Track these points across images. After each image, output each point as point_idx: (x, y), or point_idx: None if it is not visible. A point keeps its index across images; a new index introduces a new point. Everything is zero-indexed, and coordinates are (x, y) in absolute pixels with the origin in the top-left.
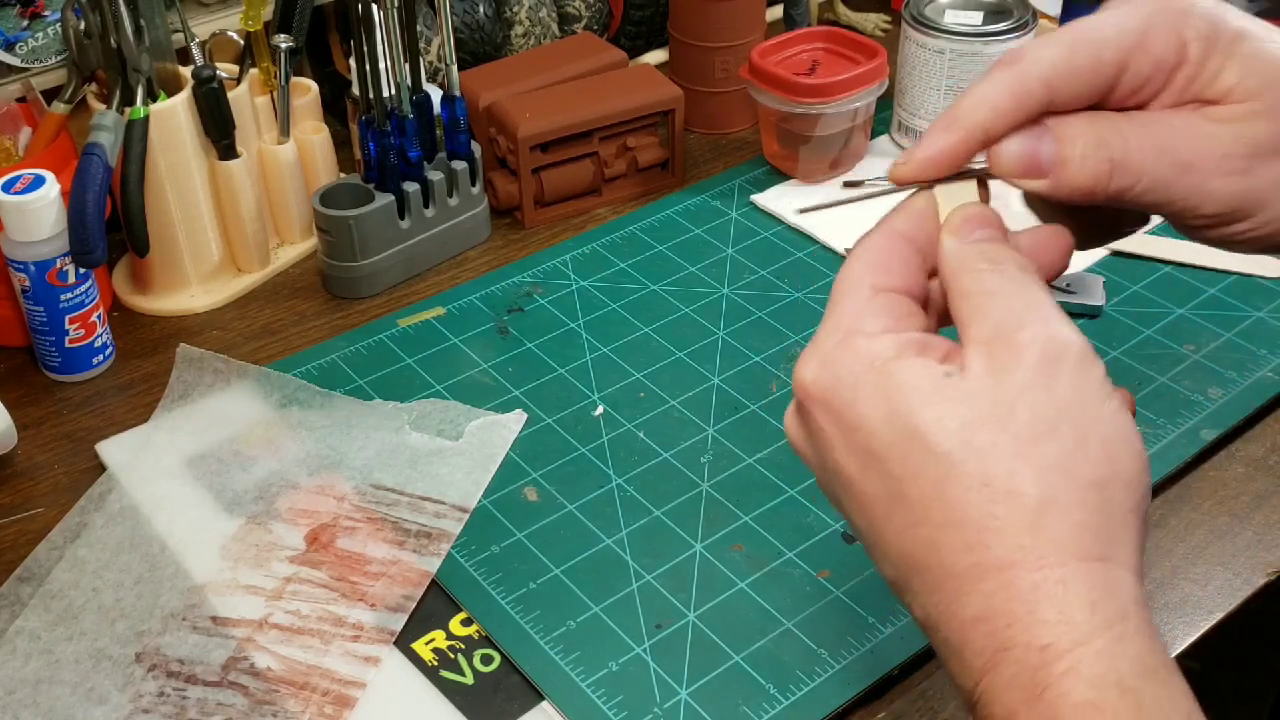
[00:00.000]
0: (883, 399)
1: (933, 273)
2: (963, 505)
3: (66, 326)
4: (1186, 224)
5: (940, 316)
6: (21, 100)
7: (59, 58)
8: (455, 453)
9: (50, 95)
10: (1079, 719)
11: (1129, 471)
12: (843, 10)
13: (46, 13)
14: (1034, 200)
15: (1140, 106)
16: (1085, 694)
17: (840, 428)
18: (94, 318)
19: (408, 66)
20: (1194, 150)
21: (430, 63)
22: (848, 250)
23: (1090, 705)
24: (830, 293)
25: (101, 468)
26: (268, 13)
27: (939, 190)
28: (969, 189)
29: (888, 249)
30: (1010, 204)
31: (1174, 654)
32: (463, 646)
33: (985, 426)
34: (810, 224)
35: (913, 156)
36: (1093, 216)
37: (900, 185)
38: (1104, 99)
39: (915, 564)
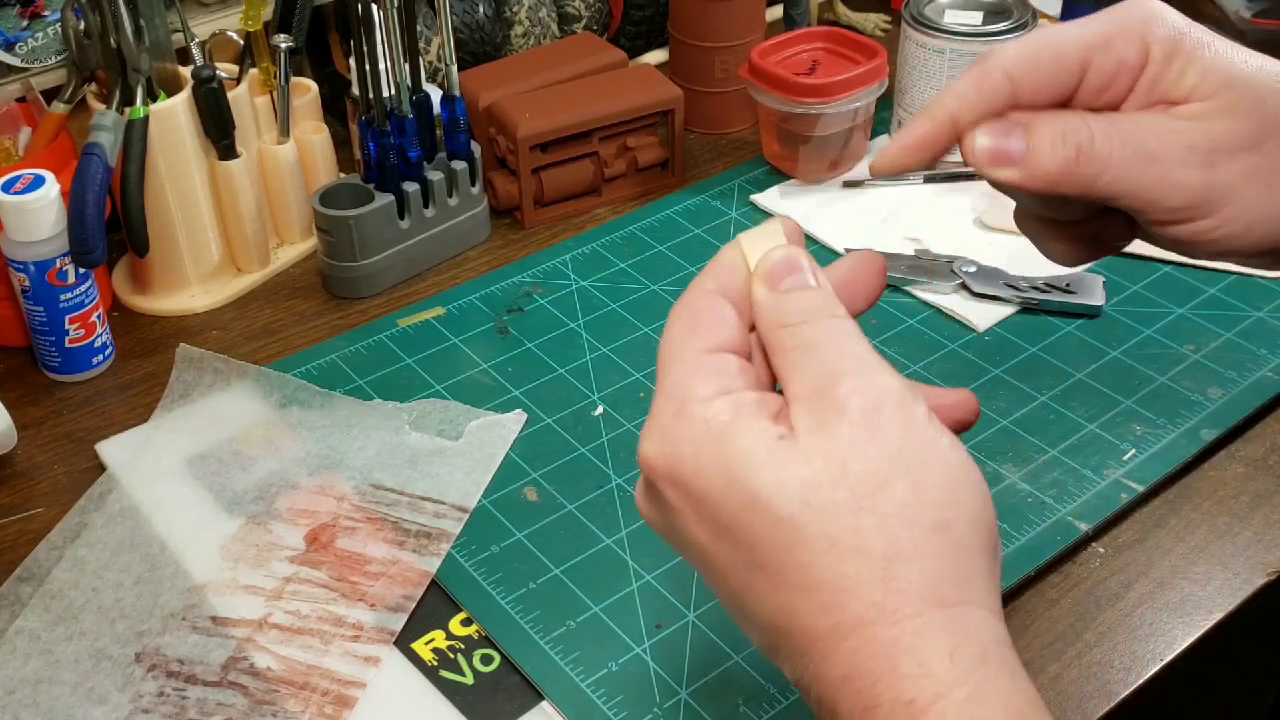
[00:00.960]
0: (722, 467)
1: (754, 325)
2: (814, 568)
3: (66, 326)
4: (1152, 221)
5: (768, 374)
6: (21, 100)
7: (59, 58)
8: (455, 453)
9: (50, 95)
10: None
11: (970, 508)
12: (842, 10)
13: (46, 13)
14: (1024, 217)
15: (1109, 109)
16: None
17: (688, 500)
18: (94, 318)
19: (407, 66)
20: (1159, 142)
21: (430, 62)
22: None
23: None
24: (656, 363)
25: (101, 468)
26: (267, 13)
27: (744, 239)
28: (775, 232)
29: (704, 309)
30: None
31: (1174, 654)
32: (462, 646)
33: (822, 486)
34: (810, 224)
35: (889, 149)
36: (1078, 230)
37: (881, 177)
38: (1069, 98)
39: (779, 629)
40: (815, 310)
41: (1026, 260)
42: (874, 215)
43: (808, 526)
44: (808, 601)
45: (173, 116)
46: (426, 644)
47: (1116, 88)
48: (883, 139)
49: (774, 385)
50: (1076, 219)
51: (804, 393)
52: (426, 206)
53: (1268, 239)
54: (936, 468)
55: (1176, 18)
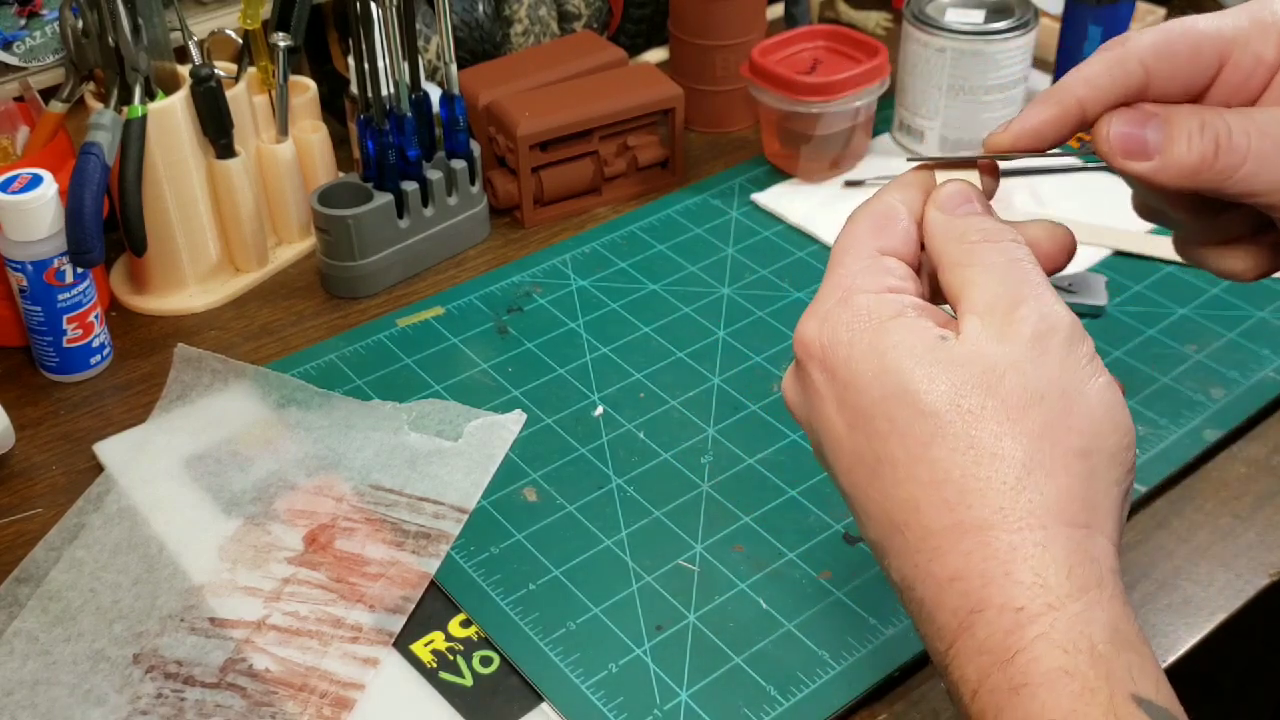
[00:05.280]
0: (876, 356)
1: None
2: (946, 465)
3: (64, 326)
4: None
5: (930, 289)
6: (19, 99)
7: (57, 56)
8: (454, 453)
9: (48, 94)
10: (1050, 685)
11: (1114, 445)
12: (844, 8)
13: (44, 11)
14: (1186, 246)
15: (1241, 105)
16: (1057, 660)
17: (834, 384)
18: (91, 317)
19: (406, 65)
20: None
21: (429, 61)
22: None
23: (1061, 671)
24: (831, 254)
25: (99, 468)
26: (266, 11)
27: (940, 175)
28: (970, 177)
29: (888, 214)
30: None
31: (1177, 655)
32: (462, 648)
33: (974, 391)
34: (811, 223)
35: (1010, 127)
36: (1249, 244)
37: (995, 154)
38: (1202, 94)
39: (896, 524)
40: (997, 231)
41: None
42: None
43: (952, 425)
44: (933, 497)
45: (171, 115)
46: (425, 645)
47: (1251, 85)
48: (884, 138)
49: (938, 304)
50: (1235, 235)
51: (979, 307)
52: (426, 206)
53: None
54: (1089, 400)
55: None
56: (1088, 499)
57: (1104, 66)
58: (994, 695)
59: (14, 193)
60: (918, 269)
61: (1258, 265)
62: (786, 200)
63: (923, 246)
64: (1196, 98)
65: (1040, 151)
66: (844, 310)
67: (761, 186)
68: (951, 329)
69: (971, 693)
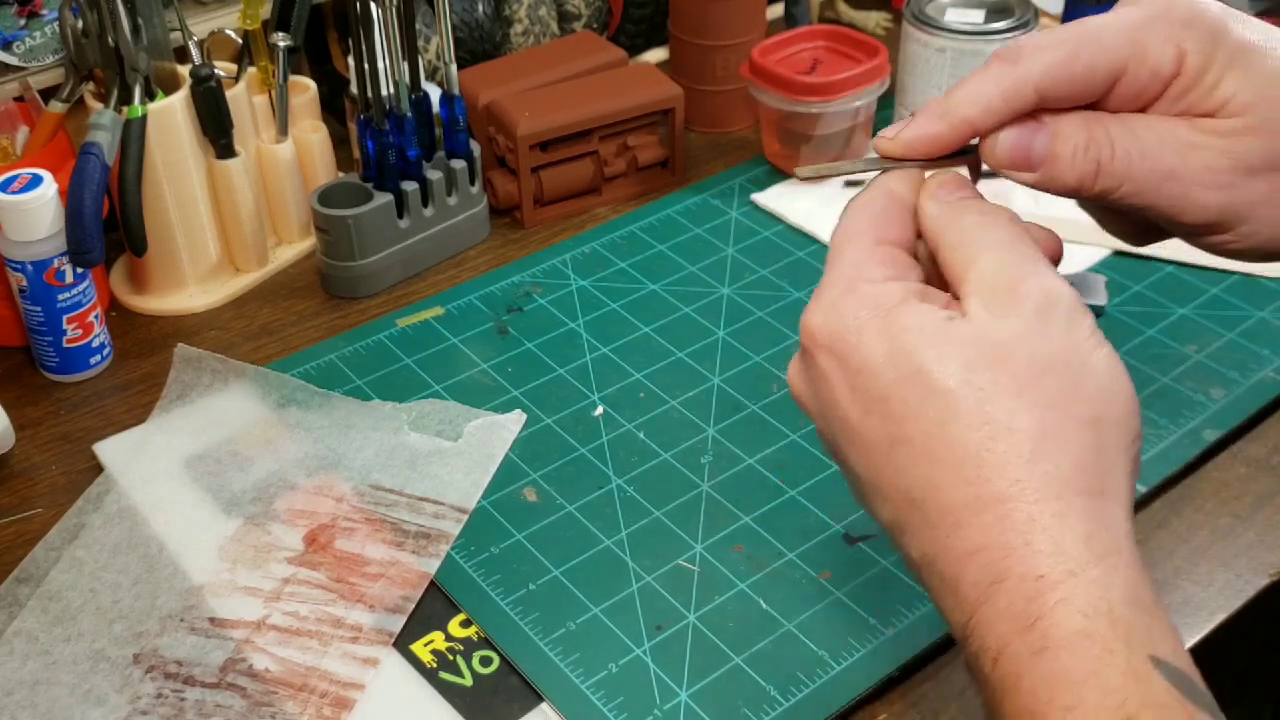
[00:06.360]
0: (887, 341)
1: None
2: (963, 442)
3: (64, 326)
4: (1173, 228)
5: (929, 275)
6: (19, 99)
7: (56, 56)
8: (454, 453)
9: (48, 94)
10: (1070, 648)
11: (1121, 412)
12: (844, 8)
13: (44, 11)
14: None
15: (1137, 110)
16: (1077, 623)
17: (845, 371)
18: (91, 317)
19: (406, 65)
20: (1179, 160)
21: (429, 61)
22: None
23: (1081, 634)
24: (830, 245)
25: (99, 468)
26: (266, 11)
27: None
28: (960, 171)
29: (885, 204)
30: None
31: None
32: (461, 648)
33: (986, 367)
34: (811, 223)
35: (900, 135)
36: (1139, 216)
37: (882, 157)
38: (1097, 103)
39: (914, 501)
40: (993, 212)
41: None
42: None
43: (965, 401)
44: (951, 474)
45: (171, 115)
46: (425, 645)
47: (1146, 96)
48: None
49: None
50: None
51: (981, 286)
52: (425, 206)
53: None
54: (1095, 370)
55: (1216, 15)
56: (1100, 467)
57: (998, 90)
58: (1015, 661)
59: (14, 193)
60: (915, 257)
61: (1144, 234)
62: (786, 200)
63: (918, 235)
64: (1092, 105)
65: (931, 161)
66: (850, 299)
67: (761, 186)
68: (956, 309)
69: (992, 660)
